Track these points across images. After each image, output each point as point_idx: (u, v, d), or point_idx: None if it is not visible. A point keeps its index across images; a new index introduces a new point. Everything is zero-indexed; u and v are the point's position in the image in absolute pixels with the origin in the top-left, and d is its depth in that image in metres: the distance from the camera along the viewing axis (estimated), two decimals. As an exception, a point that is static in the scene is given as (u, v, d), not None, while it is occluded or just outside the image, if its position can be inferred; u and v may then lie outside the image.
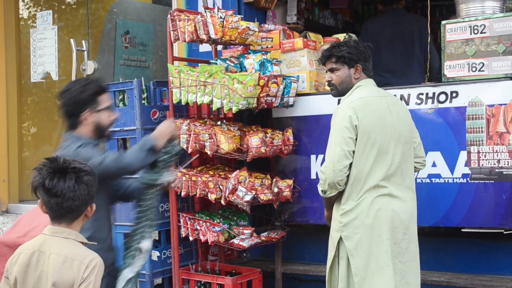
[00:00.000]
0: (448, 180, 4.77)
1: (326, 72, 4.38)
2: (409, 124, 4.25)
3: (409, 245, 4.15)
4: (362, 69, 4.24)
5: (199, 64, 5.32)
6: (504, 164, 4.57)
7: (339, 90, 4.32)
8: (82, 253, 3.25)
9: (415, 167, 4.31)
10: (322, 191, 4.14)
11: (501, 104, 4.58)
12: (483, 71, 4.69)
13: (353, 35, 5.98)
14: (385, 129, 4.08)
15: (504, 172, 4.56)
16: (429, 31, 5.60)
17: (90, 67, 7.57)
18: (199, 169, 5.34)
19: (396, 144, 4.10)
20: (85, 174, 3.22)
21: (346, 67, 4.24)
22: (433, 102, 4.84)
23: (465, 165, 4.70)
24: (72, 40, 7.52)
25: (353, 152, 4.02)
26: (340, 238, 4.10)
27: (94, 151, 3.96)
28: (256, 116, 5.59)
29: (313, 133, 5.34)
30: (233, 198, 4.99)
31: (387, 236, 4.03)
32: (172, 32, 5.26)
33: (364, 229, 4.03)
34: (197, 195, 5.20)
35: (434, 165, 4.78)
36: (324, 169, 4.07)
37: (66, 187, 3.16)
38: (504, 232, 4.83)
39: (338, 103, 5.14)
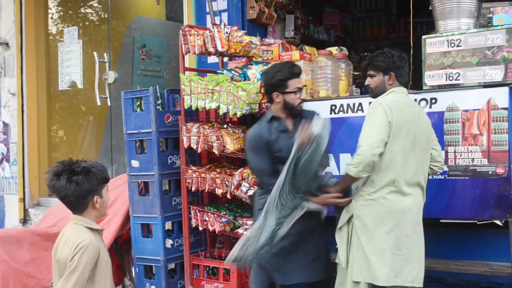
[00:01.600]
0: (428, 177, 4.76)
1: (367, 77, 4.40)
2: (429, 134, 4.27)
3: (419, 236, 4.19)
4: (396, 77, 4.26)
5: (208, 74, 5.33)
6: (478, 162, 4.57)
7: (374, 93, 4.33)
8: (78, 236, 3.40)
9: (433, 169, 4.36)
10: (357, 172, 4.05)
11: (475, 110, 4.58)
12: (459, 80, 4.69)
13: (344, 48, 5.99)
14: (408, 135, 4.12)
15: (477, 170, 4.56)
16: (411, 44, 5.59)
17: (111, 76, 7.60)
18: (207, 167, 5.34)
19: (414, 150, 4.13)
20: (76, 174, 3.40)
21: (381, 74, 4.27)
22: (414, 108, 4.84)
23: (443, 163, 4.70)
24: (95, 53, 7.56)
25: (386, 143, 4.05)
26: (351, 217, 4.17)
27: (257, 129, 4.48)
28: (258, 120, 5.59)
29: (308, 135, 5.33)
30: (237, 192, 5.00)
31: (391, 228, 4.06)
32: (183, 46, 5.27)
33: (374, 216, 4.09)
34: (206, 190, 5.21)
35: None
36: (361, 152, 4.00)
37: (59, 186, 3.41)
38: (478, 223, 4.84)
39: (330, 109, 5.16)
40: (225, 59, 5.79)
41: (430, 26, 5.25)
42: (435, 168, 4.37)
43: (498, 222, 4.73)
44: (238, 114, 4.94)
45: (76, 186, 3.37)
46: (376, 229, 4.08)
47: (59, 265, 3.40)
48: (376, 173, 4.08)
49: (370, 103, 4.40)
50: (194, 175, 5.22)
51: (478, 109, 4.56)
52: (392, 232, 4.07)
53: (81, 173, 3.40)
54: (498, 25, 4.62)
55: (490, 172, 4.52)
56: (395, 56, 4.29)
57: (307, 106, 5.22)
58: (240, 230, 5.10)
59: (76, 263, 3.29)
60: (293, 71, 4.46)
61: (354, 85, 5.85)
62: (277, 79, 4.41)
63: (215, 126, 5.20)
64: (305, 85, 4.72)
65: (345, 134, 5.11)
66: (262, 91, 4.97)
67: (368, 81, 4.38)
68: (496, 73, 4.55)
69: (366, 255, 4.09)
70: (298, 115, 4.55)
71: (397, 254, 4.07)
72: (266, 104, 5.07)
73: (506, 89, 4.50)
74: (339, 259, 4.24)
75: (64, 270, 3.34)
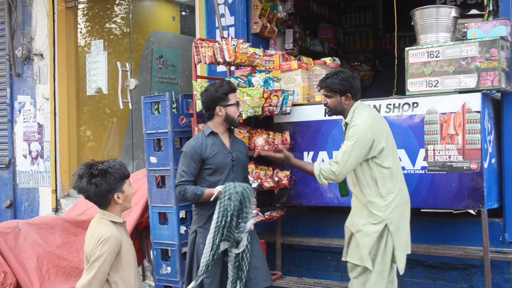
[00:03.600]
0: (410, 172, 4.77)
1: (322, 95, 4.34)
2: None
3: None
4: (351, 96, 4.20)
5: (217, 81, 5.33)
6: (454, 159, 4.57)
7: (333, 112, 4.30)
8: (101, 229, 3.36)
9: None
10: (323, 183, 4.10)
11: (451, 112, 4.59)
12: (438, 86, 4.70)
13: (337, 58, 5.99)
14: (390, 138, 4.16)
15: (454, 165, 4.57)
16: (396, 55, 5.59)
17: (132, 83, 7.60)
18: (216, 162, 5.33)
19: (395, 148, 4.21)
20: (94, 177, 3.36)
21: (338, 95, 4.20)
22: (399, 111, 4.85)
23: (424, 160, 4.71)
24: (118, 63, 7.57)
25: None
26: (385, 225, 4.09)
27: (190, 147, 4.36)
28: (261, 122, 5.61)
29: (305, 135, 5.34)
30: (243, 185, 4.99)
31: (409, 215, 4.23)
32: (195, 56, 5.27)
33: (399, 213, 4.11)
34: (215, 183, 5.21)
35: (399, 159, 4.78)
36: (337, 172, 4.02)
37: (82, 187, 3.40)
38: (454, 212, 4.84)
39: (324, 111, 5.17)
40: (232, 68, 5.79)
41: (412, 39, 5.24)
42: None
43: (471, 211, 4.72)
44: (244, 116, 4.94)
45: (96, 187, 3.33)
46: (402, 222, 4.14)
47: (86, 258, 3.38)
48: (390, 181, 4.07)
49: (346, 123, 4.29)
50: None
51: (454, 112, 4.57)
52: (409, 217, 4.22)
53: (99, 176, 3.35)
54: (472, 39, 4.63)
55: (465, 168, 4.53)
56: (350, 78, 4.20)
57: (304, 108, 5.24)
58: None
59: (98, 254, 3.26)
60: (231, 86, 4.47)
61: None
62: (220, 93, 4.36)
63: (223, 127, 5.20)
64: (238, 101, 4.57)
65: (337, 134, 5.13)
66: (265, 96, 4.97)
67: (325, 100, 4.30)
68: (470, 81, 4.56)
69: (406, 247, 4.19)
70: (232, 131, 4.56)
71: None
72: (268, 108, 5.07)
73: (479, 95, 4.52)
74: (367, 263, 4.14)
75: (89, 259, 3.32)
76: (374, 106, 4.88)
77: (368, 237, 4.11)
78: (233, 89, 4.45)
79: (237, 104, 4.44)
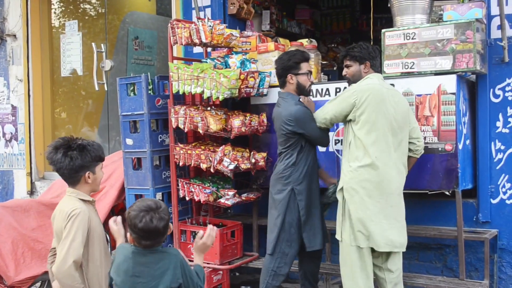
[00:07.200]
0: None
1: (343, 67, 4.39)
2: (405, 113, 4.20)
3: (400, 200, 4.20)
4: (370, 66, 4.25)
5: (193, 62, 5.30)
6: (429, 140, 4.60)
7: (352, 82, 4.31)
8: (70, 206, 3.38)
9: (415, 144, 4.29)
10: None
11: (427, 94, 4.61)
12: (413, 68, 4.71)
13: (313, 40, 5.98)
14: (383, 113, 4.04)
15: (429, 147, 4.59)
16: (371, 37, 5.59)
17: (107, 65, 7.53)
18: (193, 144, 5.32)
19: (390, 128, 4.06)
20: (72, 150, 3.38)
21: (357, 64, 4.24)
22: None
23: (420, 139, 4.68)
24: (93, 44, 7.49)
25: (334, 124, 4.35)
26: (342, 189, 4.16)
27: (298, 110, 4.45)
28: (238, 103, 5.59)
29: (282, 116, 5.32)
30: (220, 167, 4.99)
31: (377, 199, 4.05)
32: (172, 37, 5.22)
33: (363, 188, 4.04)
34: (192, 165, 5.19)
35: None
36: (319, 110, 4.34)
37: (56, 159, 3.40)
38: (429, 193, 4.87)
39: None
40: (209, 49, 5.75)
41: (388, 21, 5.24)
42: (412, 146, 4.29)
43: (446, 192, 4.76)
44: (220, 98, 4.92)
45: (70, 160, 3.34)
46: (363, 203, 4.07)
47: (56, 233, 3.38)
48: (362, 151, 4.04)
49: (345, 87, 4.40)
50: (181, 151, 5.20)
51: (430, 94, 4.59)
52: (378, 203, 4.10)
53: (76, 149, 3.37)
54: (448, 21, 4.64)
55: (440, 149, 4.56)
56: (370, 47, 4.27)
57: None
58: (222, 200, 5.10)
59: (69, 229, 3.26)
60: (305, 55, 4.61)
61: (322, 73, 5.85)
62: (293, 62, 4.49)
63: (200, 108, 5.18)
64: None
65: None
66: (242, 77, 4.95)
67: (345, 71, 4.34)
68: (445, 63, 4.58)
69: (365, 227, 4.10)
70: (307, 95, 4.71)
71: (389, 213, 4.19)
72: (244, 89, 5.05)
73: (454, 77, 4.54)
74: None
75: (61, 237, 3.31)
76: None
77: (338, 203, 4.21)
78: (306, 59, 4.57)
79: (309, 73, 4.57)
